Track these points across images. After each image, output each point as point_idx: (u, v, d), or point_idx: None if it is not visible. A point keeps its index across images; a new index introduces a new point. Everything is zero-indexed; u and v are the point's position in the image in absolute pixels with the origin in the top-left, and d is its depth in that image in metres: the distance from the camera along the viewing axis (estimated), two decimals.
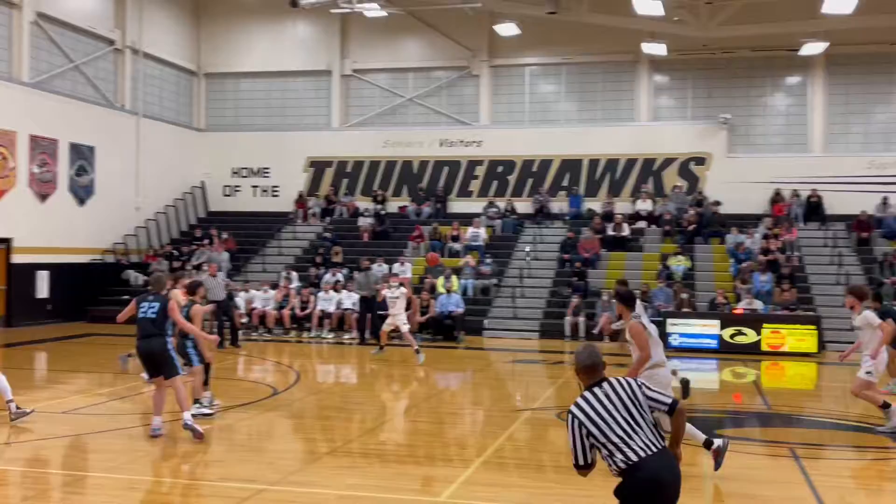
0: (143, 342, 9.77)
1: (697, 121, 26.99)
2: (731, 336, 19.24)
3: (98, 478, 8.44)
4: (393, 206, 28.23)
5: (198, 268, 24.19)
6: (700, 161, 26.67)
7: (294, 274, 23.49)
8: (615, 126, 27.43)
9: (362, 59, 29.29)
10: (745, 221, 24.61)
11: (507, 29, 26.64)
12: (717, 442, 8.18)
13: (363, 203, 28.29)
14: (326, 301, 21.72)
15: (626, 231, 24.82)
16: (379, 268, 22.58)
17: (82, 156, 24.62)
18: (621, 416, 4.95)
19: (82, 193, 24.68)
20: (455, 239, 25.28)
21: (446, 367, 17.07)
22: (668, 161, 26.82)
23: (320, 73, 29.44)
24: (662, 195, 26.44)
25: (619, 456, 4.88)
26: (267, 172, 29.54)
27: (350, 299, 21.63)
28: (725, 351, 19.02)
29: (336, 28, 29.02)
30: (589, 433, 4.95)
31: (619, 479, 4.96)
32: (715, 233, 24.56)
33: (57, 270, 22.92)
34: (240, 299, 21.42)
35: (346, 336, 21.02)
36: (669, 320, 19.81)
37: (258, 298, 22.09)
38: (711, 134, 26.62)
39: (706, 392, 14.66)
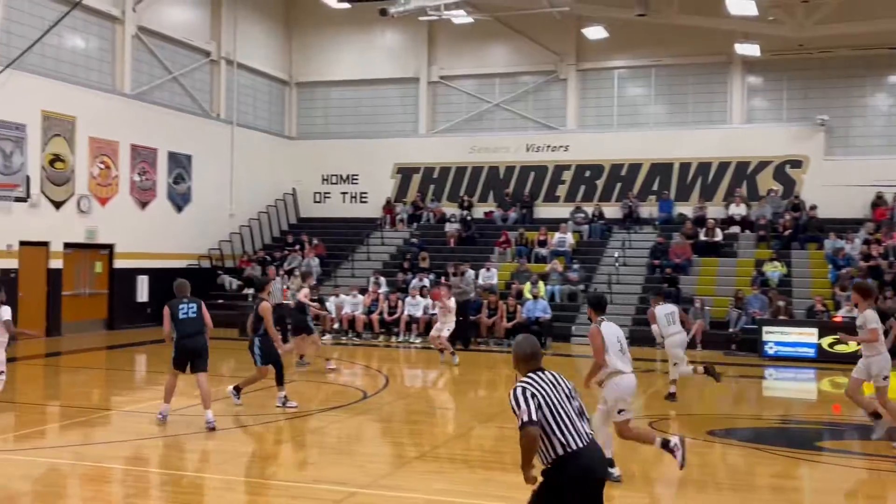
0: (191, 340, 10.74)
1: (793, 122, 26.20)
2: (830, 345, 18.56)
3: (194, 477, 8.70)
4: (479, 211, 28.28)
5: (289, 273, 24.73)
6: (796, 164, 25.86)
7: (382, 279, 23.74)
8: (707, 129, 26.86)
9: (449, 65, 29.47)
10: (845, 226, 23.72)
11: (595, 32, 26.40)
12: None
13: (450, 209, 28.42)
14: (414, 306, 21.88)
15: (718, 236, 24.25)
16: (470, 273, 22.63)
17: (180, 164, 25.48)
18: (565, 404, 5.04)
19: (180, 201, 25.54)
20: (542, 244, 25.14)
21: None
22: (763, 164, 26.10)
23: (408, 80, 29.73)
24: (757, 199, 25.73)
25: (560, 440, 4.93)
26: (356, 179, 30.00)
27: (438, 304, 21.70)
28: (824, 360, 18.36)
29: (423, 35, 29.28)
30: (539, 405, 4.96)
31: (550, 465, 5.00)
32: (812, 238, 23.76)
33: (156, 275, 23.72)
34: (330, 304, 21.77)
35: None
36: (765, 328, 19.26)
37: (347, 303, 22.41)
38: (808, 136, 25.79)
39: (803, 403, 14.19)
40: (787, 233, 23.92)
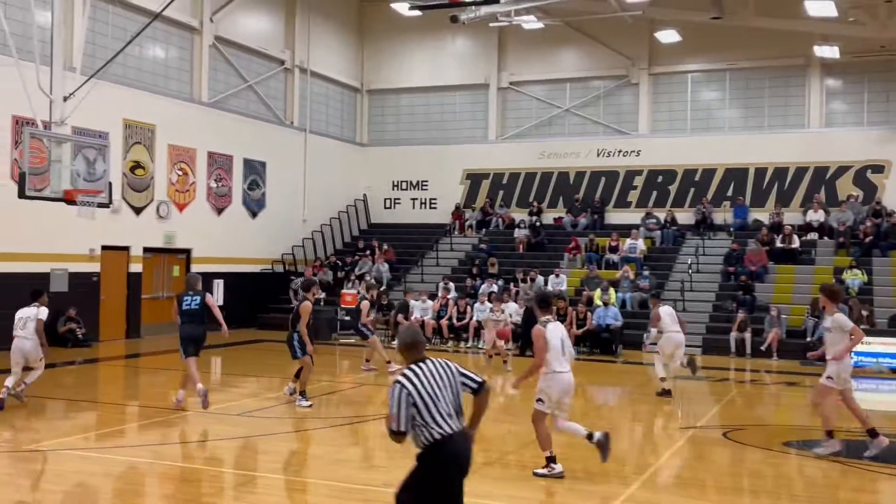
0: (188, 328, 11.86)
1: (874, 126, 25.42)
2: None
3: (268, 478, 8.85)
4: (548, 217, 28.15)
5: (360, 278, 25.01)
6: (878, 169, 25.07)
7: (451, 284, 23.81)
8: (783, 133, 26.27)
9: (519, 71, 29.43)
10: None
11: (667, 36, 26.09)
12: (598, 435, 8.67)
13: (519, 214, 28.36)
14: (482, 312, 21.86)
15: (795, 243, 23.66)
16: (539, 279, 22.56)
17: (254, 171, 26.01)
18: (443, 393, 5.31)
19: (254, 206, 26.06)
20: (613, 250, 24.88)
21: (604, 382, 16.82)
22: (842, 169, 25.38)
23: (478, 86, 29.79)
24: (836, 205, 25.03)
25: (434, 429, 5.23)
26: (425, 185, 30.17)
27: (507, 309, 21.68)
28: None
29: (493, 41, 29.32)
30: (414, 403, 5.23)
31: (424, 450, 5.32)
32: (894, 245, 22.99)
33: (230, 279, 24.26)
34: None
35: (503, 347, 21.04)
36: None
37: (417, 308, 22.53)
38: (890, 140, 24.99)
39: (885, 415, 13.72)
40: (867, 240, 23.21)
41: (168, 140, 22.72)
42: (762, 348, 19.98)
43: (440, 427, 5.25)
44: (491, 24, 26.49)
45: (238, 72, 25.67)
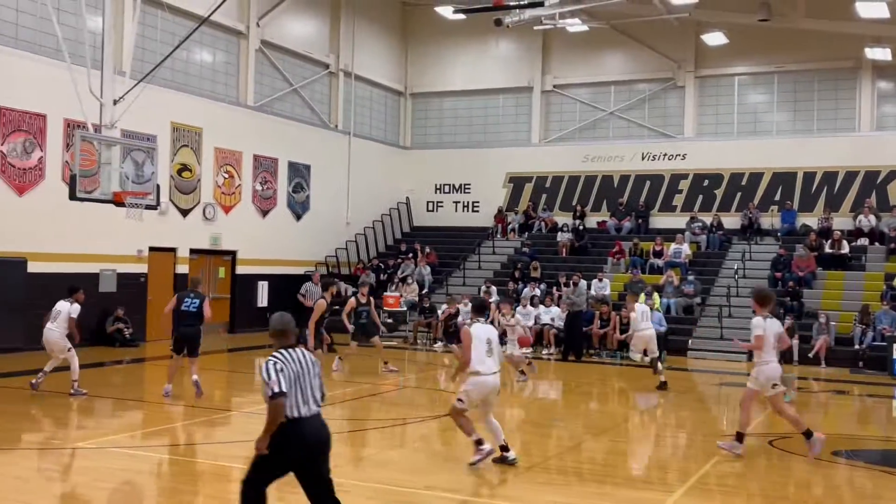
0: (185, 328, 12.86)
1: None
2: None
3: None
4: (592, 220, 27.97)
5: (403, 280, 25.10)
6: None
7: (493, 288, 23.76)
8: (833, 136, 25.79)
9: (563, 74, 29.31)
10: None
11: (714, 38, 25.80)
12: (511, 455, 8.99)
13: (562, 218, 28.21)
14: (524, 316, 21.78)
15: (845, 248, 23.19)
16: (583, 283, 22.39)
17: (299, 174, 26.24)
18: (306, 379, 5.84)
19: (299, 209, 26.29)
20: (657, 255, 24.63)
21: (648, 388, 16.61)
22: (894, 173, 24.85)
23: (521, 89, 29.72)
24: (887, 209, 24.49)
25: (297, 408, 5.72)
26: (468, 188, 30.18)
27: (548, 314, 21.62)
28: None
29: (537, 44, 29.23)
30: (283, 373, 5.71)
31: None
32: None
33: (275, 281, 24.49)
34: (441, 312, 21.92)
35: (545, 351, 20.98)
36: None
37: (463, 313, 22.47)
38: None
39: None
40: None
41: (214, 143, 23.03)
42: (810, 355, 19.63)
43: (298, 407, 5.74)
44: (535, 27, 26.37)
45: (283, 75, 25.92)
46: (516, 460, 9.07)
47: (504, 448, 9.09)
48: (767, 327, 9.78)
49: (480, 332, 9.04)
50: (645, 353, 15.65)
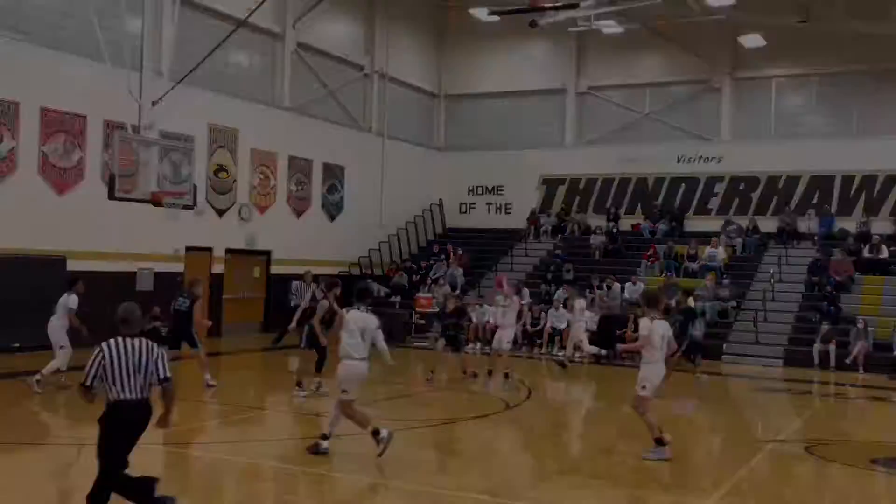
0: (174, 326, 13.67)
1: None
2: None
3: (340, 479, 8.95)
4: (626, 223, 27.79)
5: (435, 282, 25.13)
6: None
7: (525, 290, 23.69)
8: (873, 140, 25.31)
9: (597, 76, 29.17)
10: None
11: (751, 40, 25.53)
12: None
13: (595, 220, 28.07)
14: (557, 318, 21.74)
15: (884, 253, 22.83)
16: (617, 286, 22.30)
17: (333, 175, 26.39)
18: (132, 364, 6.44)
19: (333, 210, 26.44)
20: (692, 258, 24.41)
21: (682, 392, 16.48)
22: None
23: (555, 91, 29.62)
24: None
25: (115, 392, 6.41)
26: (501, 190, 30.14)
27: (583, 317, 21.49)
28: None
29: (572, 46, 29.11)
30: (102, 365, 6.40)
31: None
32: None
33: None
34: (474, 314, 21.92)
35: (577, 354, 20.87)
36: None
37: (490, 313, 22.47)
38: None
39: None
40: None
41: (250, 144, 23.24)
42: (847, 361, 19.34)
43: (121, 392, 6.40)
44: (570, 30, 26.27)
45: (319, 77, 26.08)
46: (328, 450, 9.26)
47: (324, 437, 9.31)
48: (654, 329, 9.74)
49: (356, 318, 9.18)
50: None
